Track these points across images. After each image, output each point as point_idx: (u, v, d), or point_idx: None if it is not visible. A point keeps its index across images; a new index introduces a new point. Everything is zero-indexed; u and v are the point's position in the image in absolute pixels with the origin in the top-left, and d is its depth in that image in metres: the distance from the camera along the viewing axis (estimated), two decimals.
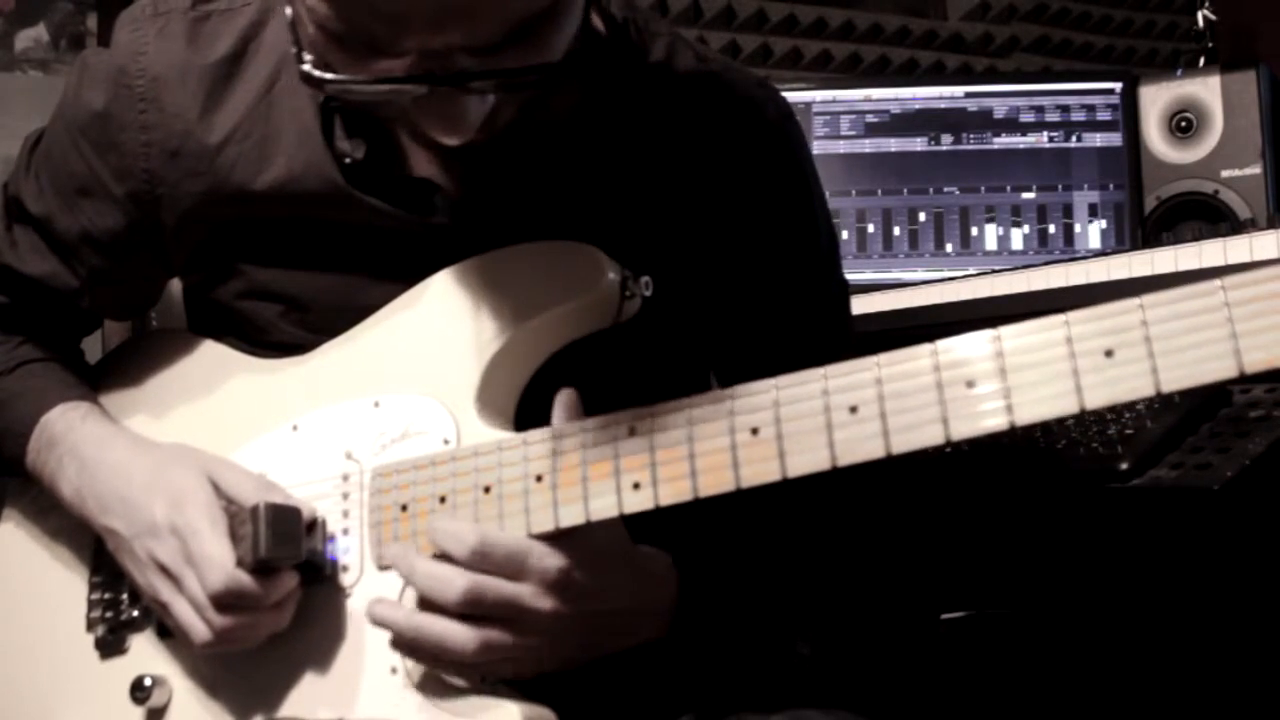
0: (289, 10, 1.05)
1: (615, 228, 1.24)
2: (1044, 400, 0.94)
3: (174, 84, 1.27)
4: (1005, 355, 0.95)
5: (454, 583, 1.09)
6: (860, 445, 0.99)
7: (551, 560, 1.09)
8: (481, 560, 1.08)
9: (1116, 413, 1.68)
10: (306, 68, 1.03)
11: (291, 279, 1.29)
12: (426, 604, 1.12)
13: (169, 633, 1.27)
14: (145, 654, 1.30)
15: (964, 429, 0.96)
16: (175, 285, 1.43)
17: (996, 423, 0.95)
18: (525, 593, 1.09)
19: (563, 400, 1.13)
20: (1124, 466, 1.61)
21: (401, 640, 1.13)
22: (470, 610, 1.09)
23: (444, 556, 1.11)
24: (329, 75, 1.03)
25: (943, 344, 0.98)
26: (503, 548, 1.09)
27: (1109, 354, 0.92)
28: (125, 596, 1.32)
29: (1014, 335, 0.96)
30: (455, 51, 0.99)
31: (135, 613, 1.31)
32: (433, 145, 1.14)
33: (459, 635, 1.09)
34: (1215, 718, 1.65)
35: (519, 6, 0.99)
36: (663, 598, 1.17)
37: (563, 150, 1.25)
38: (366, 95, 1.03)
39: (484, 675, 1.14)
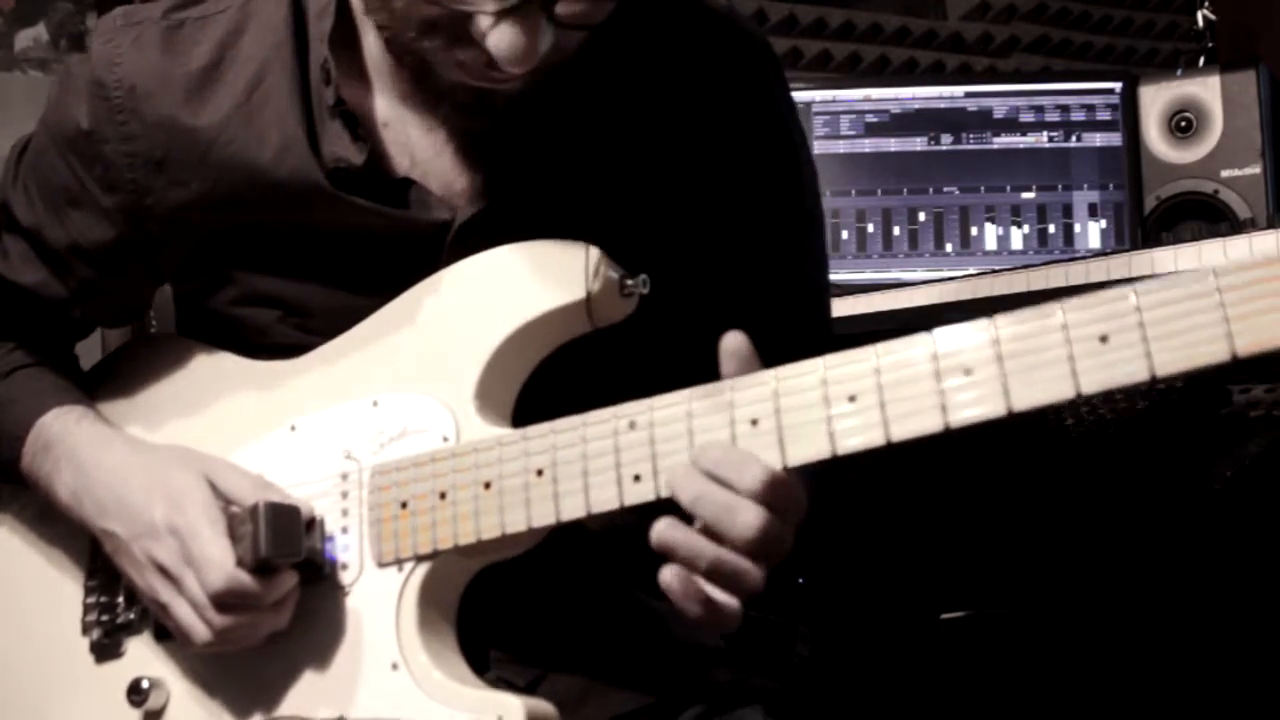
0: None
1: (604, 197, 1.24)
2: (1040, 385, 0.94)
3: (153, 93, 1.26)
4: (1001, 342, 0.96)
5: (751, 522, 1.03)
6: (860, 434, 1.00)
7: (800, 494, 1.07)
8: (768, 493, 1.04)
9: (1112, 405, 1.69)
10: None
11: (288, 284, 1.29)
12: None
13: (166, 635, 1.27)
14: (142, 656, 1.29)
15: (962, 415, 0.97)
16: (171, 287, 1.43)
17: (994, 408, 0.96)
18: (787, 530, 1.07)
19: (731, 348, 1.08)
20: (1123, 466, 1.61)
21: (696, 565, 1.04)
22: (758, 549, 1.05)
23: (716, 479, 1.05)
24: None
25: (940, 332, 0.99)
26: (785, 485, 1.04)
27: (1103, 339, 0.93)
28: (121, 599, 1.31)
29: (1009, 323, 0.97)
30: None
31: (132, 615, 1.31)
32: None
33: (753, 573, 1.05)
34: (1215, 717, 1.65)
35: None
36: None
37: (552, 124, 1.24)
38: None
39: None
